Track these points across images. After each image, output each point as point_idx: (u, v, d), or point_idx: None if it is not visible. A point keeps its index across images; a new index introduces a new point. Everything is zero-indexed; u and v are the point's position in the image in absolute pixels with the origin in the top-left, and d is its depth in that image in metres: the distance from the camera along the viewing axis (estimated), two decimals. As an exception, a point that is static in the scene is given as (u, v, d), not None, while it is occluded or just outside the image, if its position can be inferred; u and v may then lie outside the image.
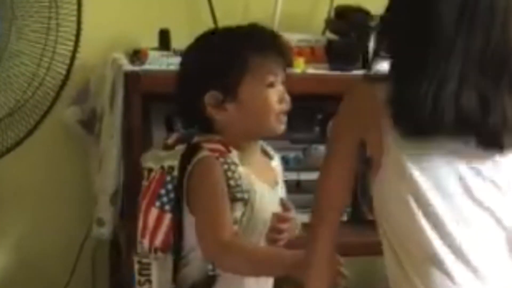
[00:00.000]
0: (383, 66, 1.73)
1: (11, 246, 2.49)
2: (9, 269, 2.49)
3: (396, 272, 1.45)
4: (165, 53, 2.23)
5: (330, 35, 2.42)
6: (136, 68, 2.12)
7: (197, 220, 1.68)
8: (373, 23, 2.30)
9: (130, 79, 2.05)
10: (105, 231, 2.18)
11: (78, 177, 2.46)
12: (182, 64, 1.81)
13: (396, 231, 1.45)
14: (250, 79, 1.72)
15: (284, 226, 1.74)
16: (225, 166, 1.68)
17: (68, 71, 2.03)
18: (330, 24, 2.45)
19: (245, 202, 1.70)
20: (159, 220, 1.70)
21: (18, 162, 2.37)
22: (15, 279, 2.50)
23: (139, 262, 1.74)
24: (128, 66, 2.12)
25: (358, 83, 1.51)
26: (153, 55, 2.19)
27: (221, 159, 1.68)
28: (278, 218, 1.74)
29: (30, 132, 2.05)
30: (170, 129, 2.18)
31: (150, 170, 1.73)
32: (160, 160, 1.72)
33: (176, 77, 1.79)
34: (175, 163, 1.69)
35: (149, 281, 1.73)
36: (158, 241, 1.71)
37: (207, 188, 1.68)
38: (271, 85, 1.73)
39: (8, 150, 2.08)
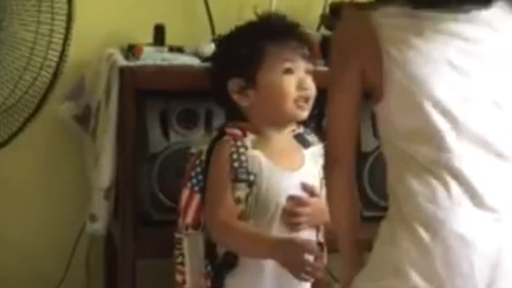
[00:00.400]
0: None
1: (5, 242, 2.48)
2: (3, 265, 2.48)
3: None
4: (160, 48, 2.23)
5: (325, 31, 2.42)
6: (130, 63, 2.11)
7: (205, 200, 1.83)
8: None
9: (125, 74, 2.04)
10: (99, 227, 2.17)
11: (73, 173, 2.46)
12: (211, 57, 1.98)
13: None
14: (268, 66, 1.82)
15: (300, 209, 1.82)
16: (233, 149, 1.81)
17: (57, 67, 2.01)
18: (325, 20, 2.45)
19: (250, 183, 1.80)
20: (189, 199, 1.86)
21: (12, 158, 2.37)
22: (8, 275, 2.49)
23: (174, 237, 1.89)
24: (122, 62, 2.12)
25: (349, 12, 1.53)
26: (148, 50, 2.18)
27: (232, 143, 1.82)
28: (296, 202, 1.82)
29: (20, 128, 2.04)
30: (165, 124, 2.18)
31: (191, 155, 1.89)
32: (199, 145, 1.89)
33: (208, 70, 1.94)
34: (205, 147, 1.85)
35: (182, 255, 1.88)
36: (189, 218, 1.86)
37: (211, 169, 1.83)
38: (288, 71, 1.82)
39: (1, 145, 2.07)
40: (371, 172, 2.23)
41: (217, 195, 1.82)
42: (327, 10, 2.46)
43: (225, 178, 1.81)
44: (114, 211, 2.19)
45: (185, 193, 1.87)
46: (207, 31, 2.43)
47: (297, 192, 1.84)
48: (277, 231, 1.82)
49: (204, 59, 2.16)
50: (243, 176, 1.80)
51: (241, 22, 1.94)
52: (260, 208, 1.82)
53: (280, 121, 1.87)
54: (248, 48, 1.83)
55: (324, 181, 1.84)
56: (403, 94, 1.44)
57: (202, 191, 1.85)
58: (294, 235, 1.82)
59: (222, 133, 1.86)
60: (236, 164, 1.80)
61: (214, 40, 2.26)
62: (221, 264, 1.84)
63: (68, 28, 1.98)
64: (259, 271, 1.82)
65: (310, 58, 1.87)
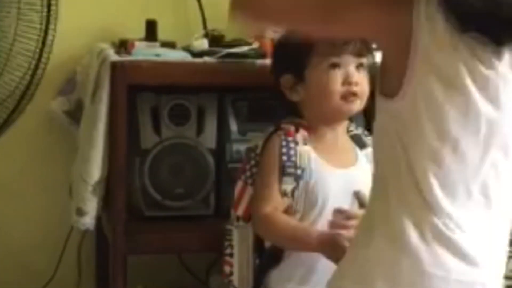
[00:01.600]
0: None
1: (-4, 238, 2.48)
2: (-6, 261, 2.49)
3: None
4: (151, 44, 2.22)
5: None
6: (122, 58, 2.11)
7: (253, 191, 1.87)
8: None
9: (116, 69, 2.04)
10: (87, 221, 2.16)
11: (64, 168, 2.45)
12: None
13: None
14: (315, 61, 1.84)
15: (349, 223, 1.77)
16: (283, 143, 1.84)
17: (38, 59, 2.01)
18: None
19: (297, 177, 1.82)
20: (242, 192, 1.90)
21: (3, 152, 2.36)
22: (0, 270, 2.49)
23: (225, 229, 1.92)
24: (114, 57, 2.11)
25: None
26: (140, 45, 2.18)
27: (283, 137, 1.85)
28: (345, 215, 1.79)
29: (7, 122, 2.03)
30: (156, 120, 2.18)
31: (248, 149, 1.94)
32: (256, 140, 1.93)
33: None
34: (261, 142, 1.89)
35: (231, 246, 1.91)
36: (240, 210, 1.90)
37: (261, 162, 1.87)
38: (334, 66, 1.83)
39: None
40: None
41: (264, 187, 1.84)
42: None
43: (273, 171, 1.83)
44: (106, 207, 2.19)
45: (239, 186, 1.91)
46: (199, 26, 2.43)
47: (344, 191, 1.84)
48: (323, 228, 1.82)
49: (196, 54, 2.15)
50: (290, 170, 1.82)
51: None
52: (306, 203, 1.84)
53: (329, 116, 1.88)
54: (297, 44, 1.84)
55: None
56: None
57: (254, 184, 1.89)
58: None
59: (277, 128, 1.88)
60: (284, 158, 1.83)
61: (206, 35, 2.26)
62: (266, 257, 1.87)
63: (48, 24, 1.96)
64: (303, 266, 1.84)
65: (361, 53, 1.85)
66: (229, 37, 2.31)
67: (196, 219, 2.22)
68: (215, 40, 2.25)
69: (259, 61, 2.13)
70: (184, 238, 2.15)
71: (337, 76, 1.82)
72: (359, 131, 1.96)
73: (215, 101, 2.23)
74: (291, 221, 1.83)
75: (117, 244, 2.09)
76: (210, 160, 2.21)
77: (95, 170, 2.12)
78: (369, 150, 1.89)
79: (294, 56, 1.85)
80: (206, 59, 2.15)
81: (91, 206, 2.15)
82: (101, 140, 2.09)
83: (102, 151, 2.10)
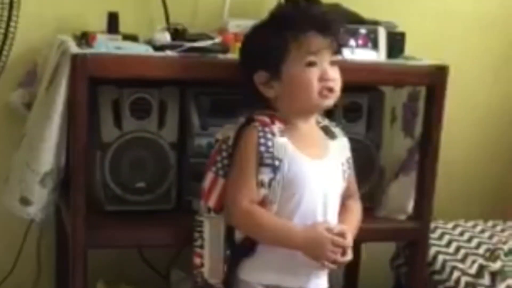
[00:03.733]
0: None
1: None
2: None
3: None
4: (113, 36, 2.20)
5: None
6: (83, 51, 2.09)
7: (227, 182, 1.88)
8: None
9: (77, 62, 2.01)
10: (32, 211, 2.14)
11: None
12: (239, 50, 2.00)
13: None
14: (291, 59, 1.85)
15: (345, 242, 1.88)
16: (260, 134, 1.85)
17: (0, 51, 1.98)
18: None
19: (274, 168, 1.84)
20: (213, 183, 1.91)
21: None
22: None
23: (195, 220, 1.93)
24: (75, 49, 2.09)
25: None
26: (101, 38, 2.16)
27: (260, 128, 1.86)
28: (339, 235, 1.87)
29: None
30: (117, 113, 2.17)
31: (217, 140, 1.94)
32: (225, 131, 1.92)
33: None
34: (232, 133, 1.89)
35: (202, 238, 1.92)
36: (211, 202, 1.91)
37: (238, 153, 1.87)
38: (311, 64, 1.85)
39: None
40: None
41: (241, 177, 1.85)
42: (283, 1, 2.45)
43: (251, 162, 1.85)
44: (66, 200, 2.17)
45: (210, 177, 1.91)
46: (162, 19, 2.41)
47: (320, 181, 1.88)
48: (300, 218, 1.87)
49: (158, 48, 2.14)
50: (268, 160, 1.84)
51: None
52: (284, 194, 1.85)
53: (306, 110, 1.92)
54: (271, 41, 1.86)
55: (346, 173, 1.96)
56: None
57: (227, 176, 1.89)
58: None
59: (250, 120, 1.89)
60: (262, 149, 1.85)
61: (168, 29, 2.25)
62: (239, 249, 1.88)
63: (10, 15, 1.93)
64: (281, 254, 1.86)
65: (335, 48, 1.89)
66: (191, 31, 2.31)
67: (157, 214, 2.21)
68: (178, 33, 2.24)
69: (222, 56, 2.12)
70: (145, 232, 2.14)
71: (315, 73, 1.86)
72: (326, 122, 2.00)
73: (177, 95, 2.22)
74: (274, 218, 1.85)
75: (77, 238, 2.07)
76: (172, 154, 2.20)
77: (46, 161, 2.09)
78: (339, 141, 1.96)
79: (268, 52, 1.86)
80: (168, 52, 2.14)
81: (38, 196, 2.13)
82: (55, 132, 2.07)
83: (55, 142, 2.08)
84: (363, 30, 2.22)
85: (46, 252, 2.51)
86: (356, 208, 2.01)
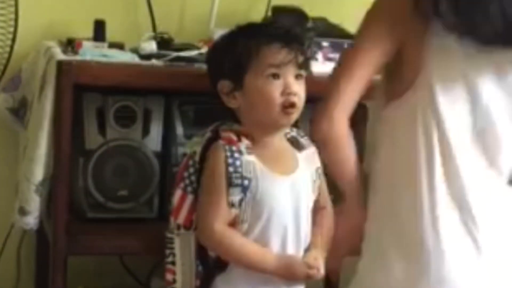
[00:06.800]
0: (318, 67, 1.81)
1: None
2: None
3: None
4: (99, 44, 2.21)
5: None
6: (69, 58, 2.09)
7: (198, 203, 1.84)
8: (309, 24, 2.31)
9: (63, 68, 2.02)
10: (30, 221, 2.14)
11: (5, 166, 2.42)
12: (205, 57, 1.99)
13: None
14: (254, 70, 1.82)
15: (318, 274, 1.87)
16: (228, 153, 1.81)
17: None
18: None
19: (244, 188, 1.80)
20: (182, 200, 1.86)
21: None
22: None
23: (166, 237, 1.89)
24: (61, 56, 2.10)
25: None
26: (87, 45, 2.17)
27: (227, 147, 1.81)
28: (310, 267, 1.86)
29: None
30: (101, 121, 2.17)
31: (185, 155, 1.91)
32: (193, 145, 1.89)
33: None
34: (199, 148, 1.85)
35: (173, 254, 1.88)
36: (181, 219, 1.87)
37: (206, 174, 1.83)
38: (274, 76, 1.81)
39: None
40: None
41: (211, 200, 1.81)
42: (270, 13, 2.47)
43: (220, 183, 1.80)
44: (47, 206, 2.17)
45: (178, 194, 1.87)
46: (149, 28, 2.42)
47: (290, 197, 1.86)
48: (271, 236, 1.84)
49: (144, 57, 2.15)
50: (237, 180, 1.80)
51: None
52: (254, 213, 1.82)
53: (267, 125, 1.86)
54: (235, 50, 1.83)
55: (317, 183, 1.93)
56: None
57: (195, 192, 1.85)
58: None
59: (215, 134, 1.85)
60: (231, 169, 1.80)
61: (155, 38, 2.26)
62: (212, 266, 1.86)
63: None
64: (249, 273, 1.84)
65: (302, 63, 1.84)
66: (178, 40, 2.31)
67: (139, 222, 2.21)
68: (164, 43, 2.25)
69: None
70: (126, 240, 2.14)
71: (277, 86, 1.81)
72: (294, 132, 1.95)
73: (162, 104, 2.22)
74: (247, 242, 1.83)
75: (57, 245, 2.07)
76: (155, 163, 2.20)
77: (39, 170, 2.09)
78: (307, 151, 1.91)
79: (232, 62, 1.84)
80: (154, 61, 2.14)
81: (34, 206, 2.12)
82: (45, 139, 2.07)
83: (46, 150, 2.08)
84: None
85: (26, 258, 2.50)
86: (326, 221, 1.97)
